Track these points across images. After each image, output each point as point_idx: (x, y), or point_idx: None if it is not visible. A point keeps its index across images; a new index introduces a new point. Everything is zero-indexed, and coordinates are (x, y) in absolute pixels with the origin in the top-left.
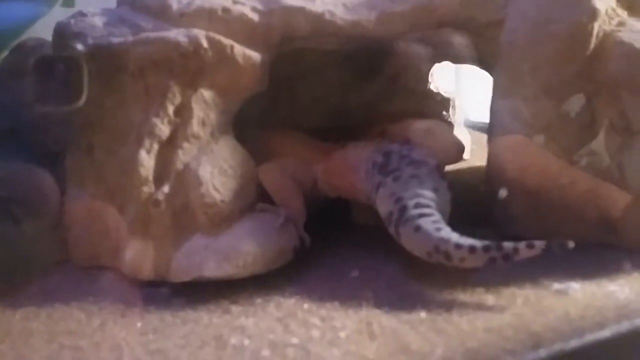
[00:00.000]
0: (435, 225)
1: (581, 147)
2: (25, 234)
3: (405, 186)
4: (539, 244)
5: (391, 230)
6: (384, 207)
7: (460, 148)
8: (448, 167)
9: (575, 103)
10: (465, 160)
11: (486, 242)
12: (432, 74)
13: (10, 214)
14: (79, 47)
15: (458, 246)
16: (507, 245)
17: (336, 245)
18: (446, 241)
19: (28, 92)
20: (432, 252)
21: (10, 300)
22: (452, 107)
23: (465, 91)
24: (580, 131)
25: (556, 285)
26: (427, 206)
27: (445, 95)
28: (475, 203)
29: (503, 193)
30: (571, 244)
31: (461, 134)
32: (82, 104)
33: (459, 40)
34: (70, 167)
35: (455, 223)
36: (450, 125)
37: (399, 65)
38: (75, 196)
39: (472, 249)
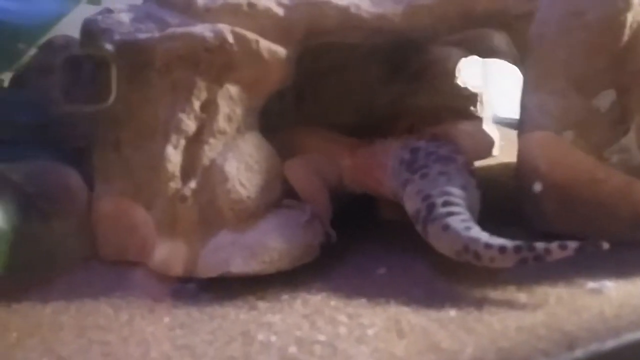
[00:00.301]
0: (464, 224)
1: (612, 143)
2: (54, 230)
3: (433, 183)
4: (572, 244)
5: (419, 228)
6: (411, 204)
7: (491, 144)
8: (476, 164)
9: (606, 99)
10: (494, 156)
11: (517, 242)
12: (459, 69)
13: (39, 210)
14: (108, 46)
15: (488, 246)
16: (539, 245)
17: (363, 242)
18: (475, 240)
19: (57, 89)
20: (461, 251)
21: (40, 295)
22: (480, 102)
23: (493, 86)
24: (611, 127)
25: (590, 284)
26: (456, 204)
27: (473, 90)
28: (505, 200)
29: (537, 187)
30: (605, 245)
31: (489, 129)
32: (110, 100)
33: (487, 34)
34: (98, 163)
35: (484, 220)
36: (480, 120)
37: (425, 60)
38: (102, 192)
39: (502, 249)
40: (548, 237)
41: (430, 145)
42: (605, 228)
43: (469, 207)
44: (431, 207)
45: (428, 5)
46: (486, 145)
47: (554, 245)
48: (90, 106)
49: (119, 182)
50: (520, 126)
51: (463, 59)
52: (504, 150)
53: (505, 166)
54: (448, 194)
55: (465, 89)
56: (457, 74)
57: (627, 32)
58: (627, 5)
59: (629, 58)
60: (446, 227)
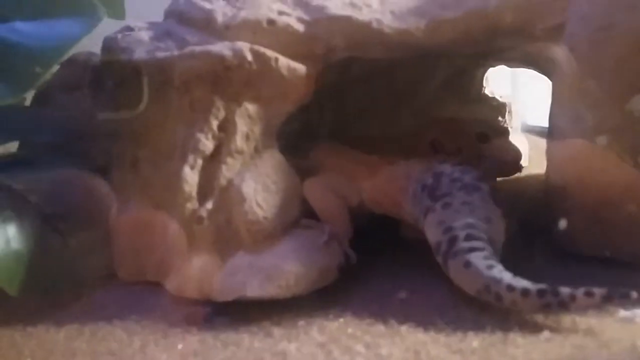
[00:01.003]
0: (487, 261)
1: None
2: (70, 247)
3: (455, 215)
4: (599, 292)
5: (439, 260)
6: (432, 235)
7: (519, 159)
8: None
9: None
10: (523, 167)
11: (541, 286)
12: (486, 78)
13: (57, 230)
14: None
15: (510, 288)
16: (564, 291)
17: (384, 263)
18: (498, 281)
19: (79, 106)
20: (483, 290)
21: (55, 318)
22: (508, 112)
23: (523, 94)
24: None
25: (622, 313)
26: (479, 239)
27: (501, 100)
28: (533, 215)
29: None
30: (634, 295)
31: (518, 140)
32: (129, 117)
33: (514, 44)
34: (116, 180)
35: (511, 238)
36: (507, 132)
37: (452, 70)
38: (121, 210)
39: (525, 293)
40: (577, 258)
41: (455, 170)
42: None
43: (492, 240)
44: (453, 240)
45: (452, 19)
46: (514, 163)
47: (579, 292)
48: (113, 123)
49: (137, 201)
50: (549, 139)
51: (492, 68)
52: (532, 160)
53: (533, 178)
54: (471, 226)
55: (494, 99)
56: (484, 84)
57: None
58: None
59: None
60: (468, 264)
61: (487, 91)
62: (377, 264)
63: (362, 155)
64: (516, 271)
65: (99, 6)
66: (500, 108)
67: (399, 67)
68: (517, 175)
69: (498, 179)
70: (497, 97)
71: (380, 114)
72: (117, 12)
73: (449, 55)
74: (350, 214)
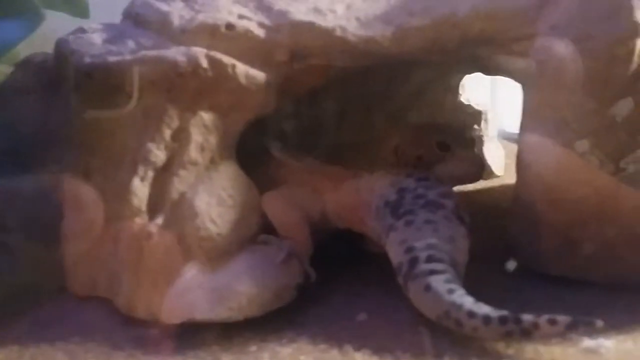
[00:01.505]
0: (448, 285)
1: (628, 154)
2: (17, 261)
3: (418, 234)
4: (563, 320)
5: (400, 281)
6: (394, 255)
7: (480, 169)
8: (477, 186)
9: (623, 107)
10: (498, 176)
11: (503, 313)
12: (462, 86)
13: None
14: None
15: (471, 314)
16: (527, 318)
17: (345, 279)
18: (458, 307)
19: (33, 110)
20: (443, 316)
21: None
22: (484, 120)
23: (502, 102)
24: (628, 137)
25: (586, 342)
26: (440, 260)
27: (477, 107)
28: (503, 230)
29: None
30: (599, 323)
31: (494, 148)
32: (82, 123)
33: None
34: (68, 190)
35: (478, 254)
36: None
37: (426, 77)
38: (72, 221)
39: (486, 320)
40: (545, 278)
41: (419, 186)
42: (610, 271)
43: (455, 260)
44: (414, 261)
45: (420, 27)
46: (471, 175)
47: (542, 319)
48: (66, 129)
49: (89, 213)
50: (519, 151)
51: (470, 76)
52: (509, 168)
53: (508, 188)
54: (433, 247)
55: (469, 106)
56: (460, 91)
57: (635, 59)
58: (636, 31)
59: (637, 87)
60: (428, 288)
61: (463, 99)
62: (339, 281)
63: (325, 166)
64: (481, 291)
65: (39, 7)
66: (476, 116)
67: (373, 73)
68: (491, 185)
69: (468, 188)
70: (473, 105)
71: (355, 119)
72: (82, 11)
73: (420, 63)
74: (312, 228)
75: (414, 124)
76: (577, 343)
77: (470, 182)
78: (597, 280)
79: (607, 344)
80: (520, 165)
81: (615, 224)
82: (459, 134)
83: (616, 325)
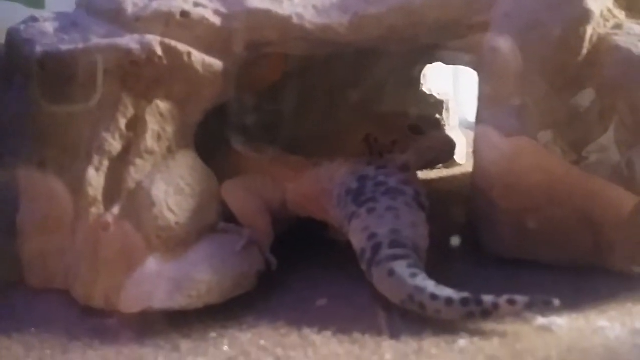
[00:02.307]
0: (410, 270)
1: (590, 142)
2: None
3: (380, 221)
4: (522, 300)
5: (363, 267)
6: (356, 242)
7: (453, 148)
8: (439, 174)
9: (585, 97)
10: (460, 165)
11: (464, 294)
12: (424, 75)
13: None
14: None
15: (434, 297)
16: (487, 299)
17: (308, 267)
18: (421, 290)
19: None
20: (406, 300)
21: None
22: (446, 109)
23: (465, 91)
24: (590, 127)
25: (540, 320)
26: (403, 246)
27: (439, 97)
28: (463, 217)
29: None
30: (556, 302)
31: (456, 137)
32: (35, 114)
33: (441, 41)
34: (23, 181)
35: (437, 243)
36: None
37: (388, 67)
38: (28, 212)
39: (448, 302)
40: (502, 263)
41: (379, 173)
42: (562, 253)
43: (417, 246)
44: (377, 248)
45: (376, 15)
46: (448, 152)
47: (502, 300)
48: (21, 120)
49: (45, 204)
50: (475, 141)
51: (434, 65)
52: (470, 158)
53: (470, 176)
54: (395, 233)
55: (431, 96)
56: (422, 81)
57: (586, 46)
58: (586, 18)
59: (589, 74)
60: (391, 273)
61: (425, 88)
62: (301, 268)
63: (286, 156)
64: (442, 276)
65: None
66: (437, 105)
67: (336, 65)
68: (453, 173)
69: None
70: (435, 95)
71: (317, 110)
72: (37, 2)
73: (379, 52)
74: (273, 217)
75: (380, 113)
76: (530, 321)
77: (445, 161)
78: (551, 262)
79: (560, 321)
80: (477, 153)
81: (567, 207)
82: (425, 118)
83: (569, 304)
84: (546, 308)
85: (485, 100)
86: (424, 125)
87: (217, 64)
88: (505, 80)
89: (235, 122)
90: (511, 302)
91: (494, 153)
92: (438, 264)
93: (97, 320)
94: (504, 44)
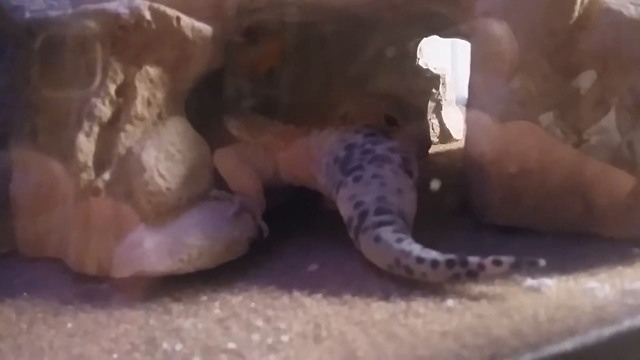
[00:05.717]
0: (396, 235)
1: (591, 125)
2: None
3: (366, 188)
4: (508, 260)
5: (351, 235)
6: (344, 210)
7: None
8: (435, 149)
9: (586, 79)
10: (456, 140)
11: (450, 256)
12: (420, 49)
13: None
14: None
15: (420, 260)
16: (472, 260)
17: (300, 235)
18: (407, 254)
19: None
20: (393, 264)
21: None
22: (442, 84)
23: (463, 66)
24: (591, 109)
25: (529, 281)
26: (389, 212)
27: (435, 71)
28: (456, 187)
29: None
30: (542, 263)
31: (452, 112)
32: (26, 83)
33: (434, 9)
34: (15, 151)
35: (432, 210)
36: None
37: (384, 42)
38: (20, 182)
39: (434, 264)
40: (493, 229)
41: (367, 141)
42: (553, 220)
43: (403, 212)
44: (363, 215)
45: None
46: (417, 147)
47: (487, 260)
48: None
49: (37, 173)
50: (467, 109)
51: (432, 40)
52: None
53: None
54: (381, 200)
55: (427, 70)
56: (418, 55)
57: (577, 8)
58: None
59: (580, 37)
60: (378, 239)
61: (422, 62)
62: (293, 236)
63: (278, 125)
64: (435, 243)
65: None
66: (434, 80)
67: (332, 38)
68: (450, 148)
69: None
70: (432, 69)
71: (315, 82)
72: None
73: (377, 25)
74: (266, 187)
75: (367, 94)
76: (520, 282)
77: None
78: (541, 228)
79: (549, 282)
80: (468, 121)
81: (557, 174)
82: (409, 108)
83: (558, 266)
84: (532, 268)
85: (474, 66)
86: (400, 117)
87: (206, 29)
88: (493, 46)
89: (231, 101)
90: (497, 263)
91: (484, 119)
92: (432, 232)
93: (89, 286)
94: (494, 8)
